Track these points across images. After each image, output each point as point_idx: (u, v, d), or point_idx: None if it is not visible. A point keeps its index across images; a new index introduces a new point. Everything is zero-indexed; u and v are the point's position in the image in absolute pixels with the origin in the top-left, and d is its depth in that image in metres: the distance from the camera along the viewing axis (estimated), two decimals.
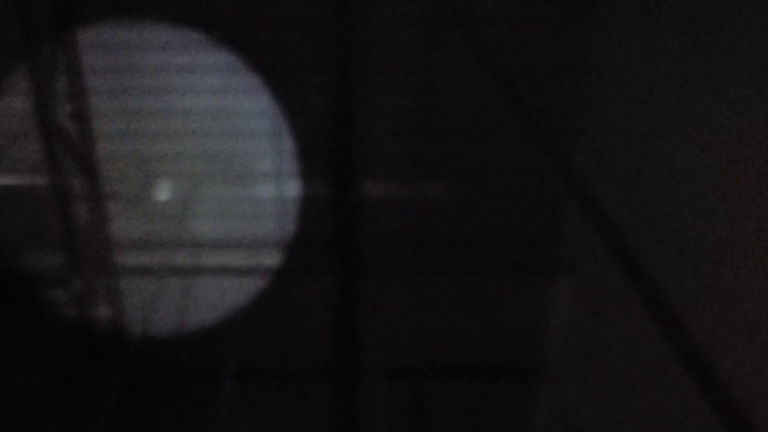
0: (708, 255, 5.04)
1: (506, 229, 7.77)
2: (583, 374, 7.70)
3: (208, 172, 7.46)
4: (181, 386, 8.56)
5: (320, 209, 7.59)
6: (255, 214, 7.67)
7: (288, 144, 7.29)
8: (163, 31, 6.87)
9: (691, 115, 5.17)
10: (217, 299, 8.09)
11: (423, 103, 7.18)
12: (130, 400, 8.49)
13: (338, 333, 8.18)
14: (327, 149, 7.27)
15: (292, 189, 7.49)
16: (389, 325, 8.27)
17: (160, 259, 7.51)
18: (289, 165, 7.39)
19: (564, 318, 8.19)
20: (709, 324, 4.96)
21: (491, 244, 7.81)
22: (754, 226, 4.42)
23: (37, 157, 7.24)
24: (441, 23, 6.80)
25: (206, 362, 8.25)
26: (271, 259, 7.83)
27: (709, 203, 4.99)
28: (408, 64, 6.99)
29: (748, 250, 4.50)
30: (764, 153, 4.32)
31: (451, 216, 7.70)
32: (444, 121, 7.27)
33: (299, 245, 7.74)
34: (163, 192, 7.50)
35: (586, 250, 7.29)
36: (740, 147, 4.55)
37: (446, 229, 7.78)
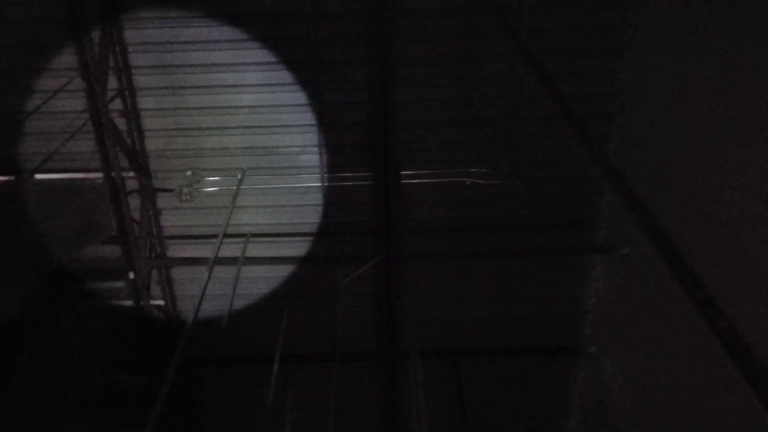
0: (743, 235, 5.07)
1: (543, 213, 7.83)
2: (620, 352, 7.75)
3: (254, 164, 7.61)
4: (232, 370, 8.81)
5: (360, 198, 7.71)
6: (298, 205, 7.81)
7: (328, 136, 7.41)
8: (209, 29, 6.99)
9: (727, 100, 5.17)
10: (264, 286, 8.28)
11: (459, 92, 7.26)
12: (184, 383, 8.74)
13: (381, 316, 8.32)
14: (366, 140, 7.37)
15: (334, 179, 7.61)
16: (430, 308, 8.39)
17: (210, 248, 7.68)
18: (330, 156, 7.50)
19: (601, 298, 8.23)
20: (744, 303, 5.02)
21: (529, 228, 7.87)
22: None
23: (90, 153, 7.38)
24: (475, 11, 6.82)
25: (255, 347, 8.48)
26: (315, 247, 7.97)
27: (744, 184, 5.01)
28: (443, 53, 7.06)
29: None
30: None
31: (489, 202, 7.78)
32: (480, 109, 7.33)
33: (341, 233, 7.86)
34: (211, 185, 7.69)
35: (622, 232, 7.31)
36: None
37: (484, 215, 7.86)
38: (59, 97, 7.24)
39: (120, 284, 7.97)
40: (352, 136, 7.40)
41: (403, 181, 7.34)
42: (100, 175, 7.27)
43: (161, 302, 8.43)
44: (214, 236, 7.74)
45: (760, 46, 4.74)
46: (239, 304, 8.18)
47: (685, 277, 3.25)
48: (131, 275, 7.74)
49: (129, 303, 7.97)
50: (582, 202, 7.77)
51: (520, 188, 7.59)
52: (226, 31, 6.98)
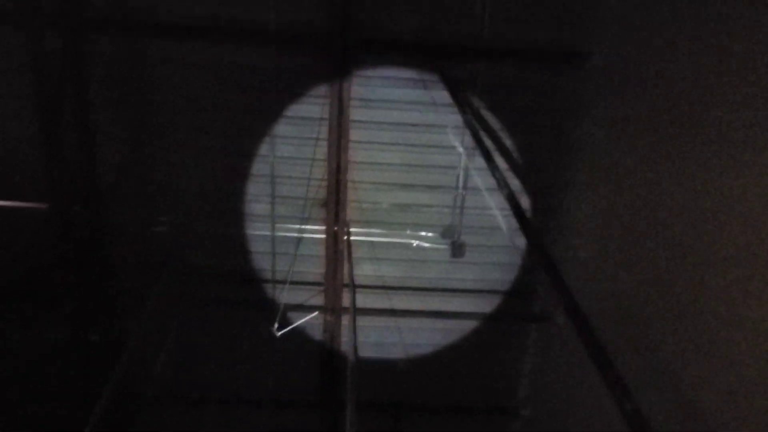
0: (650, 323, 5.34)
1: (485, 279, 8.10)
2: (552, 416, 7.92)
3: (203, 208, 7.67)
4: (167, 410, 8.64)
5: (310, 250, 7.85)
6: (248, 251, 7.89)
7: (283, 188, 7.57)
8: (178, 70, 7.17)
9: (672, 163, 5.46)
10: (205, 328, 8.24)
11: (410, 158, 7.57)
12: (114, 421, 8.51)
13: (323, 366, 8.37)
14: (319, 196, 7.56)
15: (285, 230, 7.75)
16: (373, 361, 8.47)
17: (159, 283, 7.64)
18: (282, 208, 7.65)
19: (536, 363, 8.46)
20: (648, 386, 5.31)
21: (470, 292, 8.12)
22: (692, 293, 4.74)
23: (40, 182, 7.31)
24: (429, 83, 7.18)
25: (191, 388, 8.39)
26: (261, 293, 8.02)
27: (659, 281, 5.28)
28: (397, 120, 7.38)
29: (692, 321, 4.81)
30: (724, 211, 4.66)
31: (433, 264, 8.03)
32: (429, 176, 7.66)
33: (287, 282, 7.93)
34: (164, 222, 7.70)
35: (555, 304, 7.57)
36: (694, 206, 4.87)
37: (428, 276, 8.10)
38: (11, 124, 7.21)
39: (59, 315, 7.82)
40: (304, 190, 7.59)
41: (351, 238, 7.51)
42: (45, 205, 7.24)
43: (98, 336, 8.24)
44: (158, 274, 7.73)
45: (705, 108, 5.01)
46: (179, 343, 8.12)
47: (598, 357, 3.46)
48: (70, 306, 7.62)
49: (66, 334, 7.82)
50: (521, 273, 8.08)
51: (465, 254, 7.84)
52: (185, 76, 7.15)
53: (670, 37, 5.44)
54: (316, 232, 7.70)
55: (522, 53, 7.08)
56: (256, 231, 7.75)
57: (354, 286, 7.22)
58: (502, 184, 5.32)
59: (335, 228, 7.48)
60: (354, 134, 7.30)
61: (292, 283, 7.84)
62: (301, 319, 7.89)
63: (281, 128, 7.30)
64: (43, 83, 6.75)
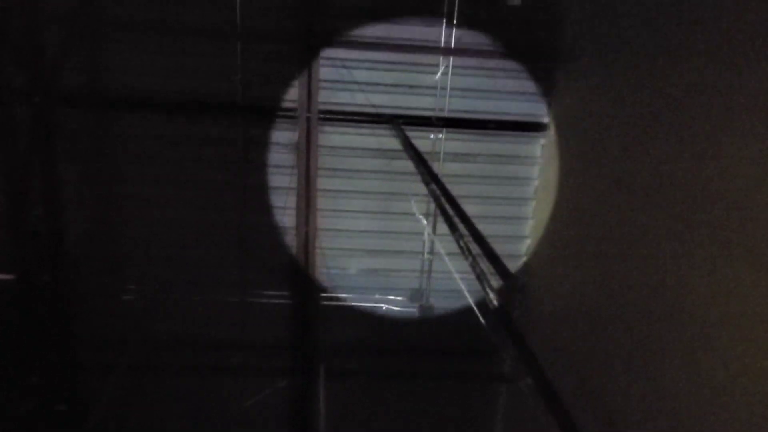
0: (617, 389, 5.48)
1: (455, 340, 8.19)
2: None
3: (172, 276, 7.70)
4: None
5: (281, 316, 7.88)
6: (217, 319, 7.89)
7: (254, 255, 7.65)
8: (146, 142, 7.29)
9: (623, 245, 5.68)
10: (174, 398, 8.14)
11: (377, 225, 7.77)
12: None
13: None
14: (290, 262, 7.65)
15: (255, 297, 7.78)
16: (343, 425, 8.41)
17: (126, 351, 7.55)
18: (254, 274, 7.72)
19: (507, 424, 8.49)
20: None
21: (440, 353, 8.19)
22: (658, 358, 4.90)
23: (7, 252, 7.27)
24: (394, 153, 7.44)
25: None
26: (231, 360, 7.98)
27: (622, 348, 5.44)
28: (363, 189, 7.61)
29: (658, 388, 4.97)
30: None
31: (404, 327, 8.13)
32: (395, 242, 7.85)
33: (259, 348, 7.93)
34: (132, 291, 7.67)
35: (521, 367, 7.66)
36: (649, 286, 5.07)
37: (398, 339, 8.16)
38: None
39: (25, 385, 7.66)
40: (273, 258, 7.69)
41: (322, 303, 7.59)
42: (13, 276, 7.19)
43: (65, 407, 8.08)
44: (125, 342, 7.67)
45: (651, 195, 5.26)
46: (146, 412, 8.00)
47: (563, 421, 3.56)
48: (35, 380, 7.48)
49: (29, 407, 7.65)
50: (488, 335, 8.15)
51: (434, 316, 7.95)
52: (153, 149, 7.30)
53: (618, 108, 5.79)
54: (286, 298, 7.76)
55: (482, 123, 7.39)
56: (226, 299, 7.77)
57: (324, 351, 7.26)
58: (466, 250, 5.48)
59: (306, 293, 7.55)
60: (321, 203, 7.47)
61: (262, 350, 7.84)
62: (271, 387, 7.85)
63: (250, 198, 7.44)
64: (12, 155, 6.81)
